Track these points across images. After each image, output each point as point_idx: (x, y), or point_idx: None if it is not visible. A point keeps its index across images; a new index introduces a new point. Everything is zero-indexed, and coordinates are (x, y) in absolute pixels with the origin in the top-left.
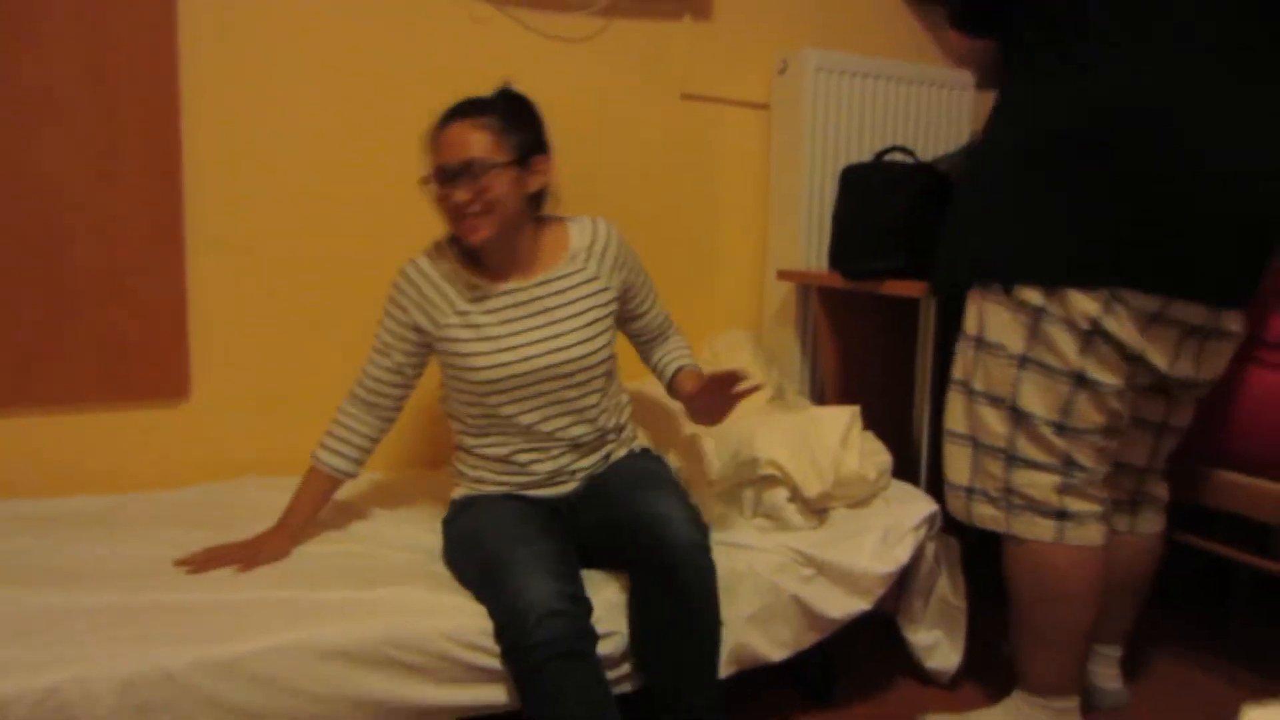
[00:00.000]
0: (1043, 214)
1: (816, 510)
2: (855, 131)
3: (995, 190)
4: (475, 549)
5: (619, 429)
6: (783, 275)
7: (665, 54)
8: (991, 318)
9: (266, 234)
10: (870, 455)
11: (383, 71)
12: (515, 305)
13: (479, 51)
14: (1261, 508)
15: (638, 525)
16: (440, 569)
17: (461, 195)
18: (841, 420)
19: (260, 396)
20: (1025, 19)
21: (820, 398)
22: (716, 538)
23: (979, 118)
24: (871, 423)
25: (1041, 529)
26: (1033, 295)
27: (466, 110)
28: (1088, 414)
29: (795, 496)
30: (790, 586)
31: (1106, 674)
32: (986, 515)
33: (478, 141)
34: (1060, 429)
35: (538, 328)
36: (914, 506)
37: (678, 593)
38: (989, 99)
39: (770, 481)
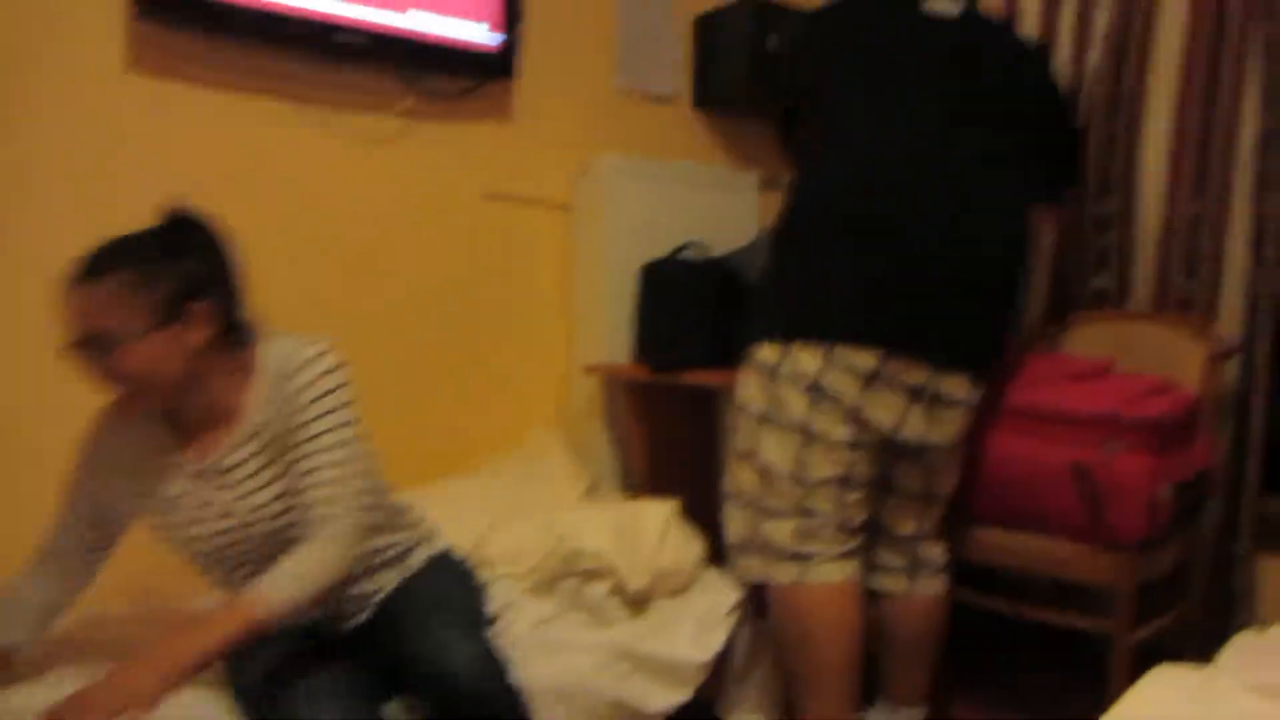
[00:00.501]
0: (781, 280)
1: (637, 602)
2: (653, 229)
3: (766, 267)
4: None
5: (389, 547)
6: (590, 370)
7: (469, 155)
8: (744, 380)
9: None
10: (686, 545)
11: (176, 176)
12: (196, 474)
13: (277, 155)
14: (1016, 559)
15: (420, 666)
16: None
17: (97, 371)
18: (661, 514)
19: None
20: (801, 118)
21: (631, 491)
22: (533, 638)
23: (765, 215)
24: (683, 511)
25: (784, 572)
26: (768, 354)
27: (92, 268)
28: (820, 465)
29: (617, 589)
30: (610, 690)
31: None
32: (747, 567)
33: (103, 308)
34: (796, 479)
35: (226, 488)
36: (727, 593)
37: None
38: (773, 198)
39: (592, 574)
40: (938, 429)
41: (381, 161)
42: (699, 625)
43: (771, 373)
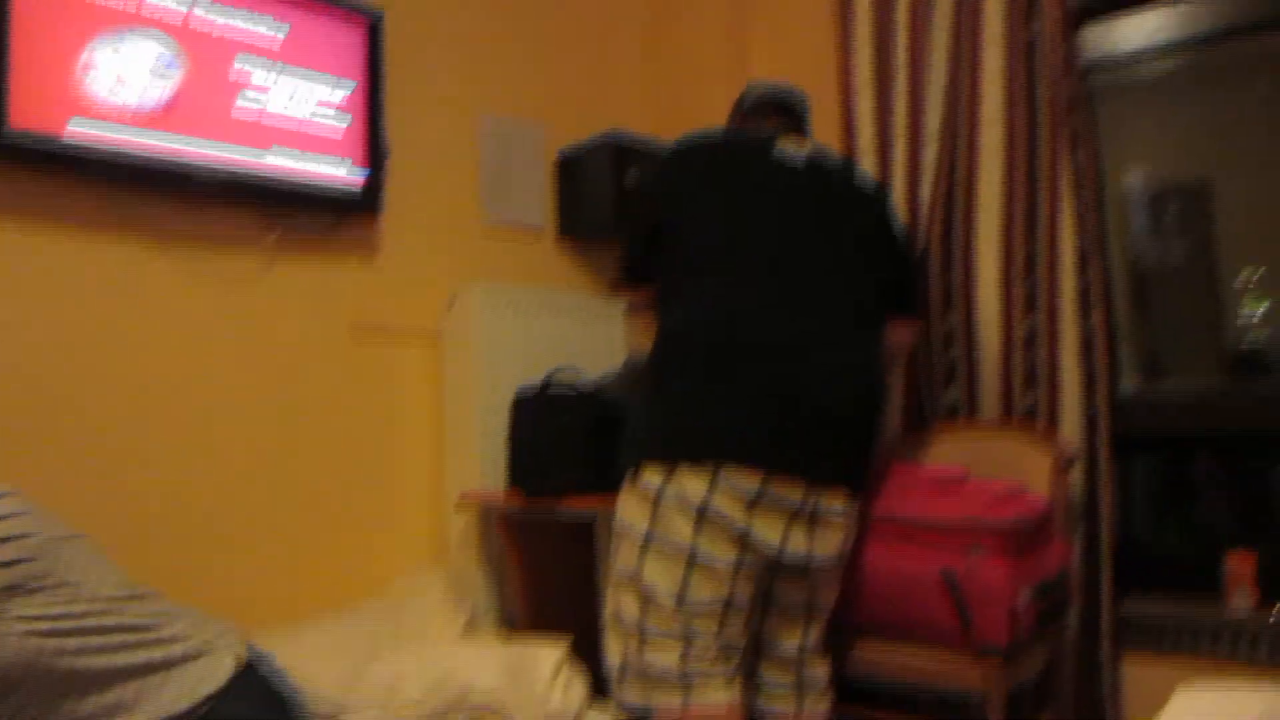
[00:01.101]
0: (663, 407)
1: None
2: (523, 357)
3: (644, 395)
4: None
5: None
6: (464, 500)
7: (334, 291)
8: (624, 502)
9: None
10: (575, 685)
11: (34, 321)
12: None
13: (137, 296)
14: (893, 671)
15: None
16: None
17: None
18: (554, 654)
19: None
20: (661, 272)
21: (509, 625)
22: None
23: (632, 340)
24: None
25: (669, 698)
26: (654, 476)
27: None
28: (703, 588)
29: None
30: None
31: None
32: (630, 694)
33: None
34: (679, 603)
35: None
36: None
37: None
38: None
39: (480, 713)
40: (820, 544)
41: (245, 299)
42: None
43: (656, 495)
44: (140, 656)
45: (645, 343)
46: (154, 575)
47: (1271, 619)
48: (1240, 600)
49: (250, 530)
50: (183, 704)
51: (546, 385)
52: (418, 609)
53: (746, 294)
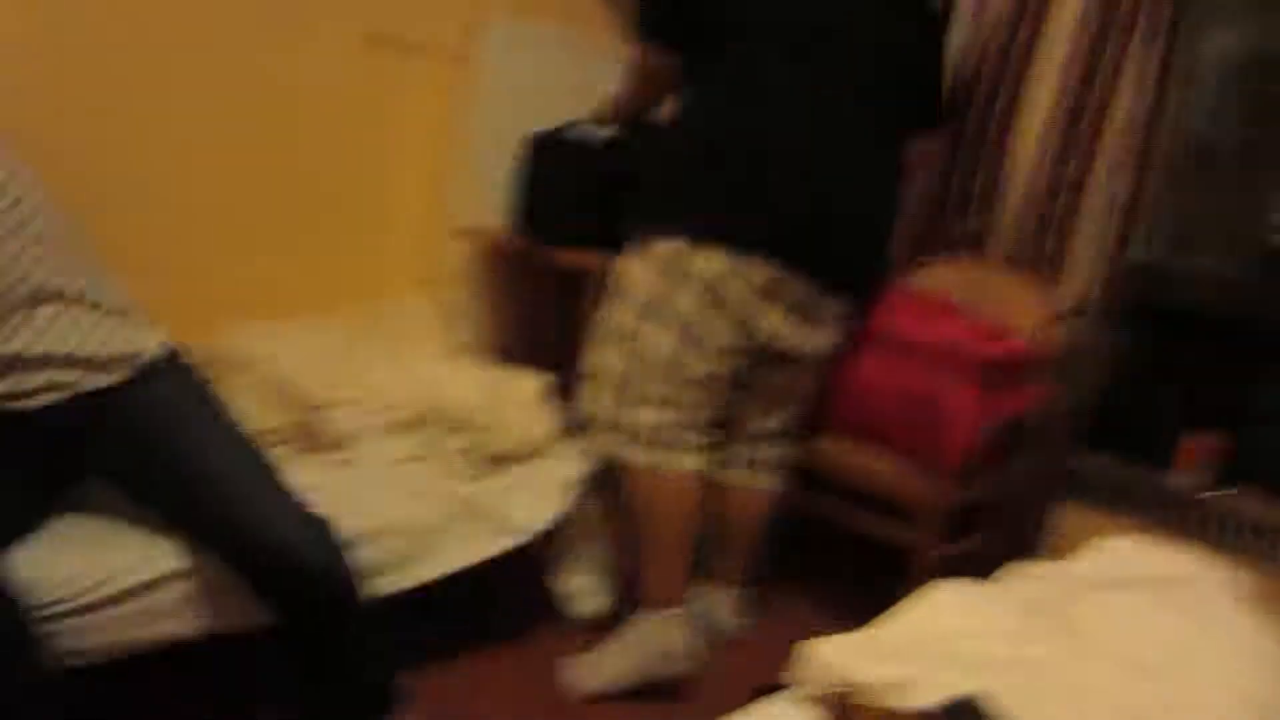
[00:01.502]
0: (688, 184)
1: (494, 461)
2: (542, 99)
3: (672, 166)
4: None
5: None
6: (462, 233)
7: None
8: (630, 266)
9: None
10: (547, 417)
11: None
12: None
13: None
14: (850, 474)
15: (243, 548)
16: None
17: None
18: (532, 384)
19: None
20: (692, 37)
21: (492, 357)
22: (380, 473)
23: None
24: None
25: (643, 456)
26: (669, 249)
27: None
28: (697, 364)
29: (477, 446)
30: (442, 536)
31: (727, 611)
32: (605, 445)
33: None
34: (671, 373)
35: None
36: (576, 465)
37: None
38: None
39: (455, 427)
40: (813, 339)
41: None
42: (546, 490)
43: (668, 267)
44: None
45: (630, 104)
46: (141, 249)
47: (1206, 495)
48: (1187, 478)
49: (243, 222)
50: (110, 349)
51: (563, 131)
52: (404, 326)
53: (786, 82)
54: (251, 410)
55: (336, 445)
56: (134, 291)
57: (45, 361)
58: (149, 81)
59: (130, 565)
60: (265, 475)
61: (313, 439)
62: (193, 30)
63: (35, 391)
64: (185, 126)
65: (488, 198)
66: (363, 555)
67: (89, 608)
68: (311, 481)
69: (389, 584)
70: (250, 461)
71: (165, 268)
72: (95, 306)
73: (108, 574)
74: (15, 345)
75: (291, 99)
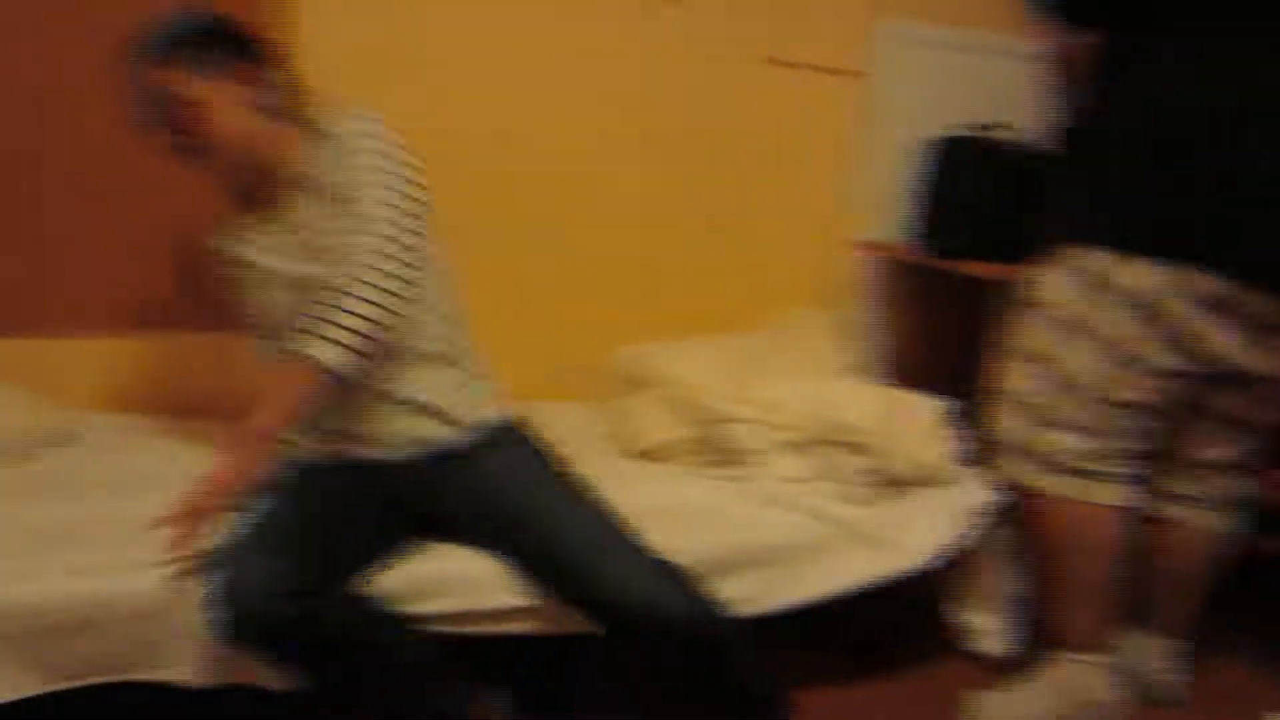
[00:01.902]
0: (1118, 187)
1: (892, 485)
2: (941, 104)
3: (1095, 166)
4: None
5: (440, 369)
6: (858, 247)
7: (751, 18)
8: (1049, 279)
9: None
10: (948, 442)
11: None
12: (264, 234)
13: (552, 14)
14: None
15: (602, 609)
16: None
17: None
18: (932, 407)
19: None
20: (1117, 16)
21: (888, 376)
22: (777, 490)
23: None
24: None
25: (1061, 486)
26: (1095, 261)
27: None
28: (1131, 388)
29: (876, 470)
30: (829, 559)
31: (1158, 665)
32: (1016, 472)
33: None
34: (1099, 397)
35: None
36: (978, 492)
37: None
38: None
39: (854, 449)
40: (1271, 360)
41: (662, 23)
42: (944, 518)
43: (1096, 281)
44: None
45: (1070, 99)
46: (548, 273)
47: None
48: None
49: (645, 242)
50: (464, 410)
51: (973, 136)
52: (797, 343)
53: (1241, 75)
54: (654, 424)
55: (735, 460)
56: (539, 312)
57: (406, 407)
58: (552, 107)
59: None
60: (614, 535)
61: (713, 453)
62: (601, 75)
63: (391, 438)
64: (586, 152)
65: (883, 209)
66: (749, 574)
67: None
68: (703, 496)
69: (777, 603)
70: (598, 523)
71: (570, 289)
72: (459, 367)
73: (470, 594)
74: (386, 385)
75: (694, 123)
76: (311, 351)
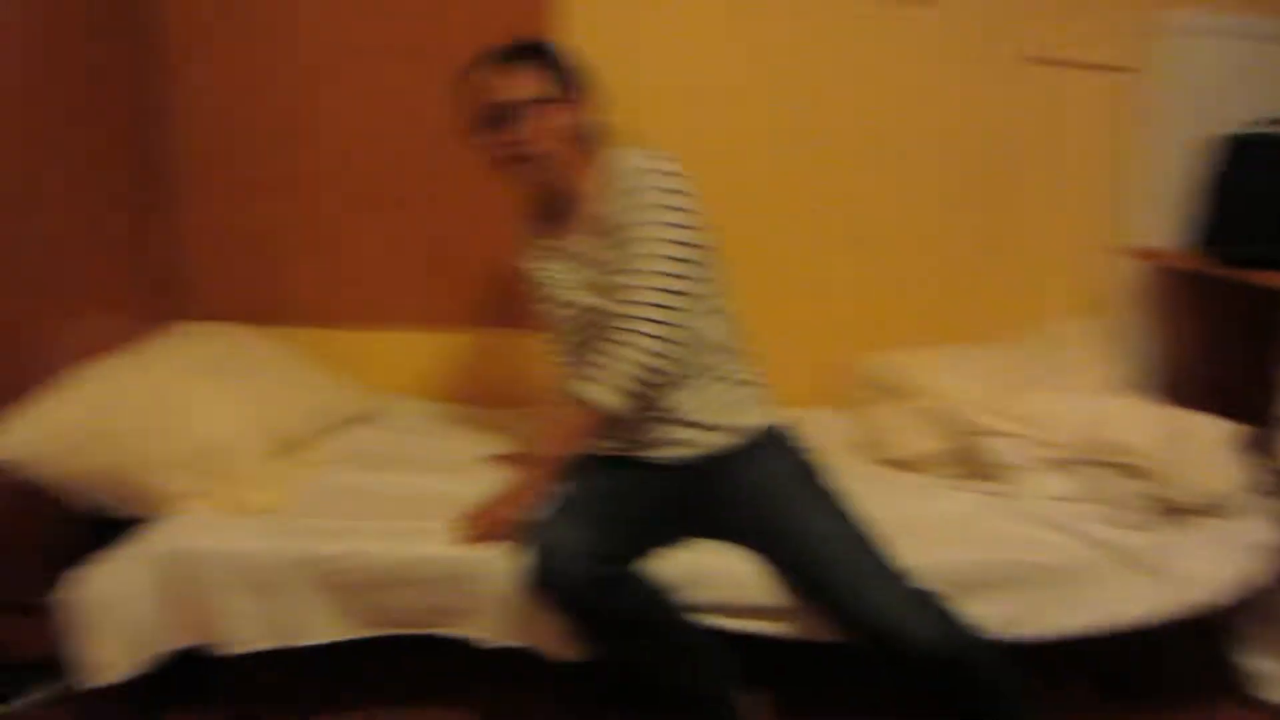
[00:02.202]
0: None
1: (1170, 513)
2: (1230, 99)
3: None
4: None
5: (713, 383)
6: (1130, 254)
7: (1010, 17)
8: None
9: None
10: (1235, 469)
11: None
12: (554, 254)
13: (807, 26)
14: None
15: (850, 625)
16: None
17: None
18: (1218, 431)
19: None
20: None
21: (1166, 393)
22: (1044, 510)
23: None
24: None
25: None
26: None
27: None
28: None
29: (1153, 495)
30: (1100, 588)
31: None
32: None
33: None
34: None
35: (572, 270)
36: (1265, 526)
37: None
38: None
39: (1130, 471)
40: None
41: (910, 22)
42: (1228, 552)
43: None
44: (733, 379)
45: None
46: (803, 277)
47: None
48: None
49: (907, 248)
50: (727, 418)
51: (1266, 131)
52: (1068, 355)
53: None
54: (909, 434)
55: (993, 475)
56: (791, 317)
57: (674, 420)
58: (808, 113)
59: (745, 588)
60: (869, 556)
61: (971, 466)
62: (842, 63)
63: (663, 446)
64: (843, 158)
65: (1160, 213)
66: (1014, 595)
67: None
68: (962, 510)
69: (1046, 629)
70: (854, 542)
71: (823, 294)
72: (725, 381)
73: (729, 589)
74: (657, 403)
75: (952, 126)
76: (590, 396)
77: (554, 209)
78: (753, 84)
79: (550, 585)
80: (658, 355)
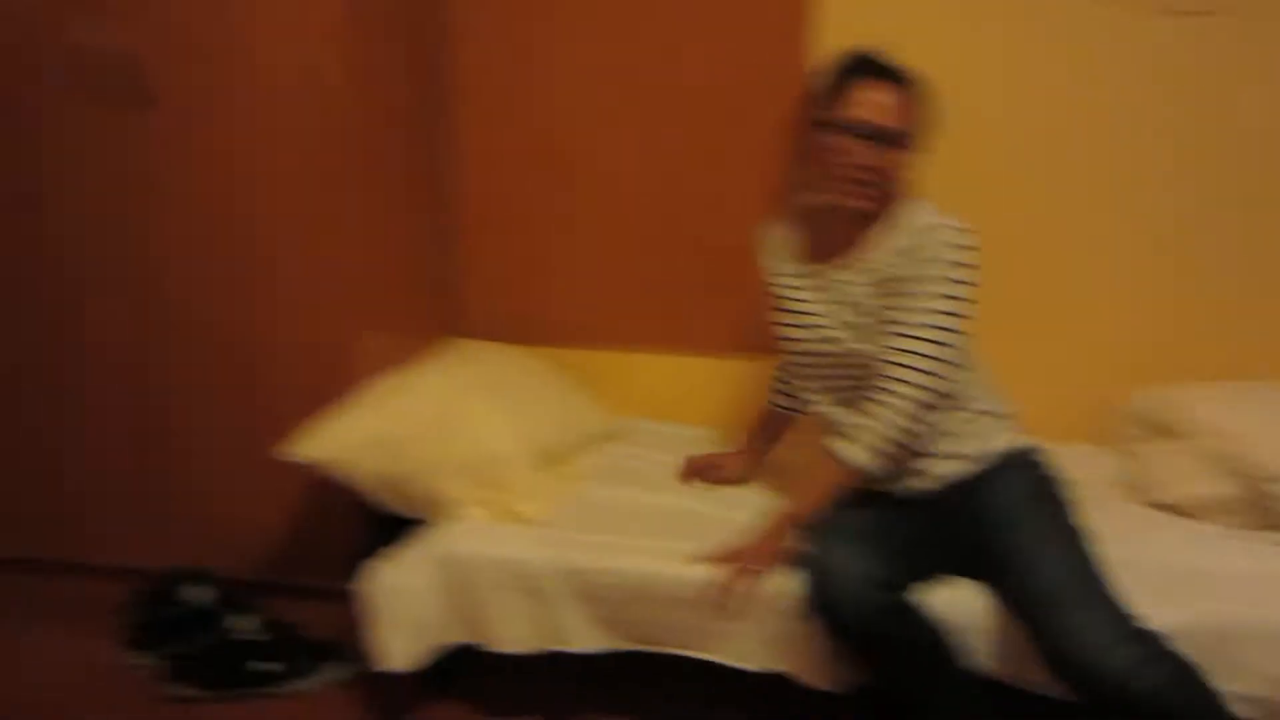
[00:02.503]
0: None
1: None
2: None
3: None
4: None
5: (961, 423)
6: None
7: None
8: None
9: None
10: None
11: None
12: (817, 286)
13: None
14: None
15: (1044, 643)
16: None
17: (862, 159)
18: None
19: None
20: None
21: None
22: None
23: None
24: None
25: None
26: None
27: (895, 74)
28: None
29: None
30: None
31: None
32: None
33: (902, 111)
34: None
35: (832, 304)
36: None
37: None
38: None
39: None
40: None
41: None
42: None
43: None
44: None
45: None
46: (1062, 307)
47: None
48: None
49: (1171, 277)
50: (968, 445)
51: None
52: None
53: None
54: (1183, 475)
55: None
56: (1050, 348)
57: (922, 453)
58: (1072, 136)
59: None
60: (1093, 590)
61: (1258, 515)
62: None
63: (911, 478)
64: (1108, 178)
65: None
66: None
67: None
68: (1255, 563)
69: None
70: (1081, 573)
71: (1085, 323)
72: (967, 409)
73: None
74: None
75: (1226, 145)
76: (848, 455)
77: (830, 238)
78: (1023, 109)
79: (831, 610)
80: (917, 420)
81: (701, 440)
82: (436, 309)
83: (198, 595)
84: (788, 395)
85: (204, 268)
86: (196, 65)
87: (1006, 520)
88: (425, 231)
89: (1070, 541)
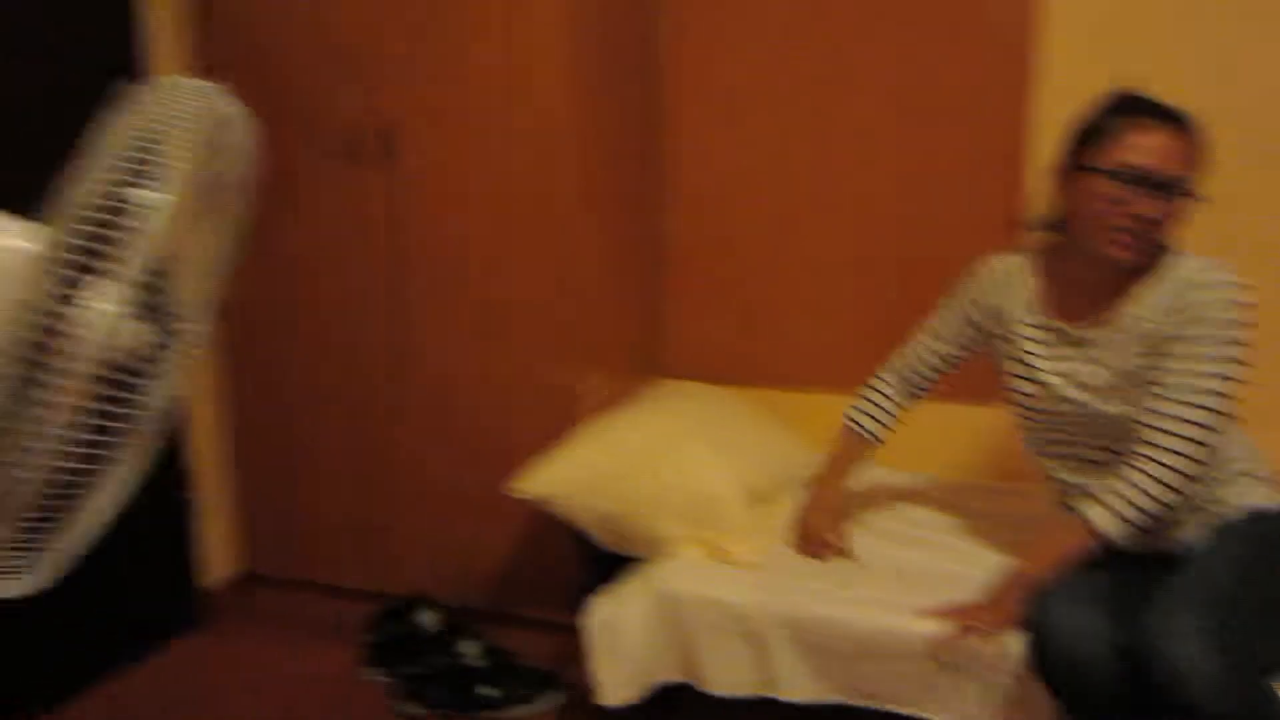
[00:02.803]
0: None
1: None
2: None
3: None
4: None
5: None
6: None
7: None
8: None
9: None
10: None
11: None
12: (1057, 338)
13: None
14: None
15: (1142, 635)
16: None
17: (1140, 207)
18: None
19: None
20: None
21: None
22: None
23: None
24: None
25: None
26: None
27: (1181, 120)
28: None
29: None
30: None
31: None
32: None
33: (1189, 159)
34: None
35: (1075, 360)
36: None
37: None
38: None
39: None
40: None
41: None
42: None
43: None
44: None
45: None
46: None
47: None
48: None
49: None
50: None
51: None
52: None
53: None
54: None
55: None
56: None
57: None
58: None
59: None
60: (1207, 603)
61: None
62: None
63: (1152, 540)
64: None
65: None
66: None
67: None
68: None
69: None
70: (1213, 592)
71: None
72: (1225, 470)
73: None
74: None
75: None
76: (1095, 519)
77: (1080, 289)
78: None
79: (1056, 673)
80: (1177, 493)
81: (916, 485)
82: (646, 348)
83: (428, 620)
84: (873, 417)
85: (443, 312)
86: (434, 125)
87: (1204, 561)
88: (639, 273)
89: (1244, 569)
